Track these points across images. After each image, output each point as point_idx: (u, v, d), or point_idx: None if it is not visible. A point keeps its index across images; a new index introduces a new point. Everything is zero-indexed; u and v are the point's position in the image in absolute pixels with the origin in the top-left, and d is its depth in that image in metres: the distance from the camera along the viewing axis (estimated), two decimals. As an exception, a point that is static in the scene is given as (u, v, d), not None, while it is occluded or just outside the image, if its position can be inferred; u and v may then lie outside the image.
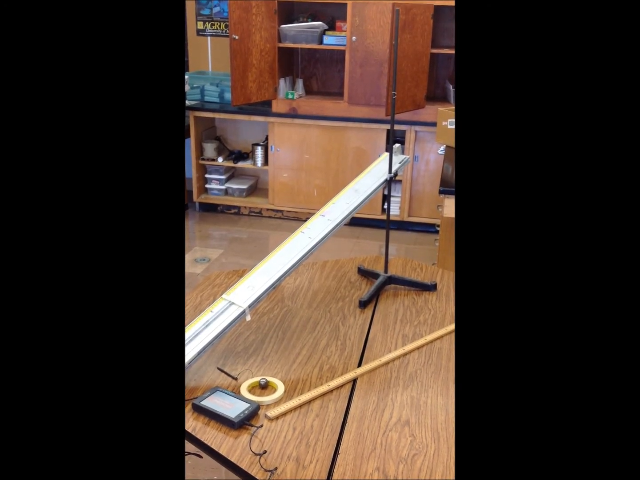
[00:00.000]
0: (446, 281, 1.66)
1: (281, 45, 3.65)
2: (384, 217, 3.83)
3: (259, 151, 3.96)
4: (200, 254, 3.48)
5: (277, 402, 1.13)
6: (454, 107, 2.85)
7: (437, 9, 3.41)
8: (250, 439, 1.03)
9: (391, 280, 1.61)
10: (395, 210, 3.82)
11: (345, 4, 3.47)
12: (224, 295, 1.26)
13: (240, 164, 4.07)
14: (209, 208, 4.17)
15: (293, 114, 3.75)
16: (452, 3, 3.39)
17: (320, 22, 3.67)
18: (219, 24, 4.17)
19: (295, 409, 1.11)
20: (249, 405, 1.09)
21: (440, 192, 2.23)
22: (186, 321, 1.26)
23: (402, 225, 3.85)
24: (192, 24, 4.21)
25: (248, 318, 1.23)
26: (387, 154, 1.58)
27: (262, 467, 0.97)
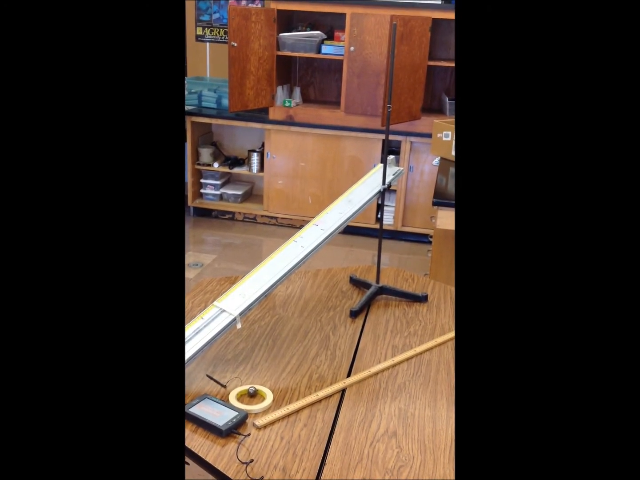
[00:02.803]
0: (437, 293, 1.67)
1: (279, 53, 3.66)
2: (378, 226, 3.84)
3: (255, 158, 3.97)
4: (193, 259, 3.48)
5: (266, 411, 1.13)
6: (449, 120, 2.87)
7: (435, 22, 3.44)
8: (238, 447, 1.03)
9: (382, 290, 1.62)
10: (389, 220, 3.83)
11: (344, 14, 3.49)
12: (215, 303, 1.27)
13: (236, 170, 4.08)
14: (204, 213, 4.17)
15: (290, 122, 3.77)
16: (450, 16, 3.43)
17: (318, 32, 3.70)
18: (218, 30, 4.19)
19: (283, 418, 1.11)
20: (237, 413, 1.09)
21: (434, 203, 2.25)
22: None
23: (395, 235, 3.87)
24: (191, 30, 4.22)
25: (239, 326, 1.24)
26: (381, 165, 1.59)
27: (248, 476, 0.97)
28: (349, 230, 3.78)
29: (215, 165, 4.06)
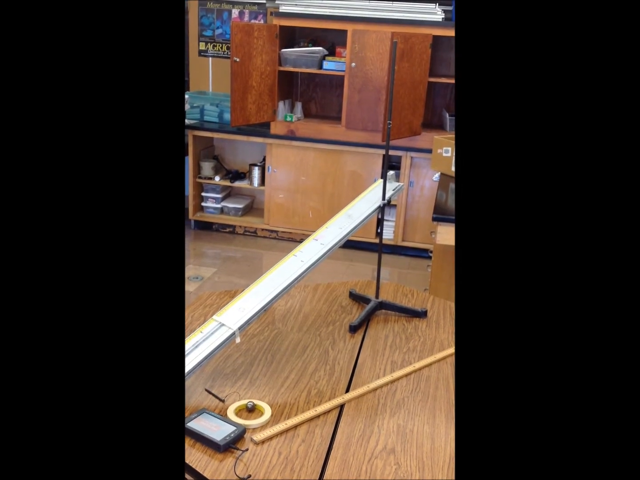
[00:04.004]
0: (436, 308, 1.67)
1: (281, 68, 3.70)
2: (378, 241, 3.84)
3: (256, 171, 3.99)
4: (193, 272, 3.48)
5: (264, 426, 1.13)
6: (449, 135, 2.89)
7: (436, 39, 3.47)
8: (235, 462, 1.03)
9: (382, 305, 1.62)
10: (389, 235, 3.84)
11: (346, 31, 3.53)
12: (214, 317, 1.27)
13: (237, 184, 4.10)
14: (204, 226, 4.18)
15: (291, 136, 3.79)
16: (451, 33, 3.47)
17: (320, 48, 3.73)
18: (220, 45, 4.24)
19: (281, 433, 1.11)
20: (235, 428, 1.09)
21: (434, 219, 2.26)
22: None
23: (395, 250, 3.87)
24: (194, 45, 4.27)
25: (238, 340, 1.24)
26: (381, 181, 1.60)
27: (245, 491, 0.96)
28: (349, 244, 3.79)
29: (217, 178, 4.07)
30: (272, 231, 4.05)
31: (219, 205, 4.13)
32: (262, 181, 3.98)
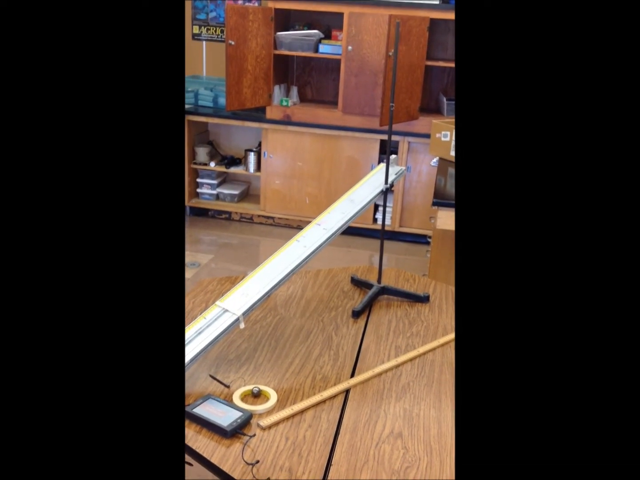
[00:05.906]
0: (438, 293, 1.67)
1: (277, 52, 3.65)
2: (376, 226, 3.84)
3: (252, 157, 3.96)
4: (190, 259, 3.46)
5: (270, 411, 1.12)
6: (448, 120, 2.87)
7: (433, 22, 3.44)
8: (243, 448, 1.02)
9: (384, 290, 1.61)
10: (386, 220, 3.83)
11: (342, 14, 3.48)
12: (217, 302, 1.26)
13: (233, 170, 4.06)
14: (200, 212, 4.15)
15: (287, 121, 3.75)
16: (447, 16, 3.43)
17: (316, 31, 3.69)
18: (214, 29, 4.17)
19: (287, 418, 1.11)
20: (241, 413, 1.08)
21: (434, 203, 2.24)
22: (179, 327, 1.24)
23: (393, 236, 3.86)
24: (187, 28, 4.20)
25: (242, 326, 1.23)
26: (383, 165, 1.58)
27: (254, 477, 0.96)
28: (347, 230, 3.75)
29: (212, 164, 4.04)
30: (268, 217, 4.02)
31: (214, 192, 4.10)
32: (258, 167, 3.95)
